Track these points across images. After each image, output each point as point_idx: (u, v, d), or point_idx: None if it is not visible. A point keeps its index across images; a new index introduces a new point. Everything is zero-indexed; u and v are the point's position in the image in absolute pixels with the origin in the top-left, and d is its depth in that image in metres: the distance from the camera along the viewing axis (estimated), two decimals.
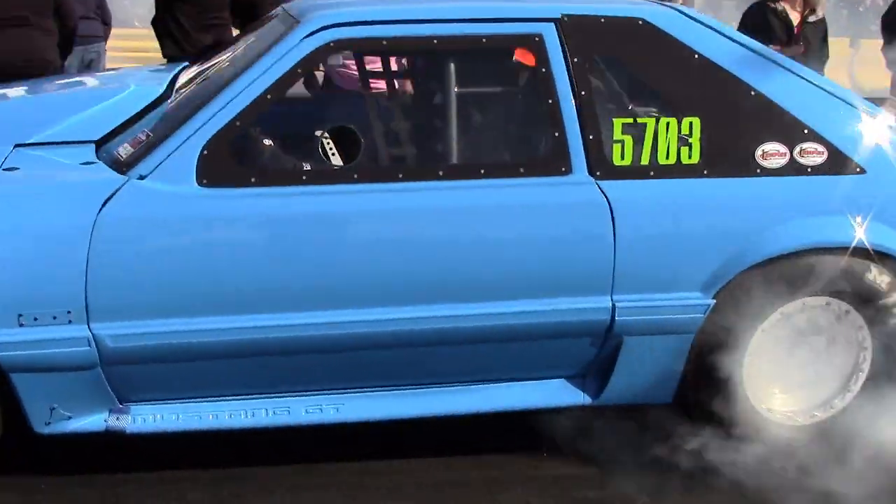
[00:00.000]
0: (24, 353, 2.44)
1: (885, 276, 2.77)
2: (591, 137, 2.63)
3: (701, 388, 2.79)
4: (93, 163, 2.58)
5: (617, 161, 2.66)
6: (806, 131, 2.74)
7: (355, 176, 2.56)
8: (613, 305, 2.66)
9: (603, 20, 2.71)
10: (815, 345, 2.87)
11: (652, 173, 2.67)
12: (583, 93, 2.64)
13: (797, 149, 2.74)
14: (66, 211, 2.44)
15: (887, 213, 2.76)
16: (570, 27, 2.68)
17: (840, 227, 2.73)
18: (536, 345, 2.70)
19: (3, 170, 2.55)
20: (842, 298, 2.80)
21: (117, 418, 2.61)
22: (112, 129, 2.78)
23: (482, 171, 2.62)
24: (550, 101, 2.63)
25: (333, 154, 2.59)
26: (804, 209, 2.73)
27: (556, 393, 2.79)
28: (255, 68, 2.55)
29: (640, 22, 2.72)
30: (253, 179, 2.52)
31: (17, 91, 3.15)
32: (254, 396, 2.68)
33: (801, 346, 2.86)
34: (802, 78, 2.81)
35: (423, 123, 2.88)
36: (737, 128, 2.73)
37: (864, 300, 2.78)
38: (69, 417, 2.58)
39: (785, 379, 2.88)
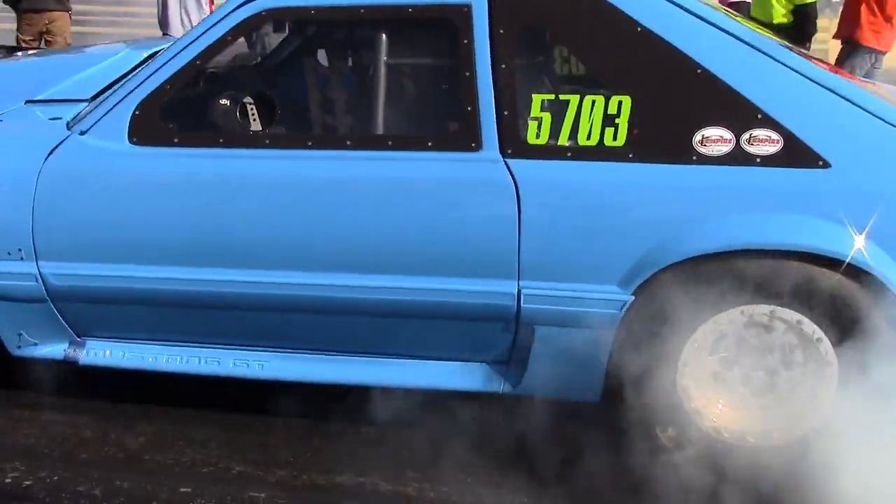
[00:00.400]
0: None
1: (845, 285, 2.39)
2: (505, 113, 2.51)
3: (625, 391, 2.58)
4: (59, 118, 2.85)
5: (532, 139, 2.51)
6: (760, 116, 2.42)
7: (267, 141, 2.64)
8: (519, 292, 2.53)
9: None
10: (768, 360, 2.54)
11: (569, 154, 2.49)
12: (503, 66, 2.52)
13: (746, 136, 2.43)
14: (19, 159, 2.74)
15: (852, 214, 2.37)
16: None
17: (788, 228, 2.40)
18: (446, 324, 2.63)
19: None
20: (795, 309, 2.45)
21: (74, 350, 2.90)
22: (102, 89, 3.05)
23: (389, 143, 2.59)
24: (468, 74, 2.53)
25: (255, 119, 2.67)
26: (746, 204, 2.42)
27: (474, 377, 2.70)
28: (190, 35, 2.69)
29: None
30: (176, 140, 2.67)
31: (40, 54, 3.54)
32: (191, 345, 2.85)
33: (751, 360, 2.55)
34: (769, 56, 2.47)
35: (343, 93, 2.86)
36: (673, 109, 2.47)
37: (824, 313, 2.43)
38: (35, 344, 2.91)
39: (731, 394, 2.58)
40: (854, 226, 2.37)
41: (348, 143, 2.61)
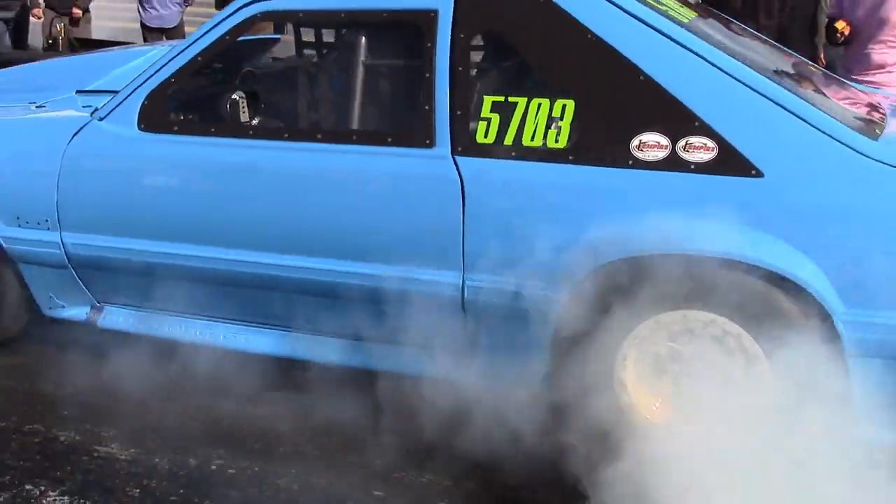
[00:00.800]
0: (22, 248, 3.18)
1: (772, 293, 2.39)
2: (458, 113, 2.65)
3: (563, 383, 2.65)
4: (89, 106, 3.21)
5: (480, 139, 2.64)
6: (697, 124, 2.46)
7: (251, 132, 2.89)
8: (463, 283, 2.66)
9: None
10: (707, 364, 2.56)
11: (513, 154, 2.60)
12: (460, 69, 2.65)
13: (682, 142, 2.47)
14: (48, 141, 3.12)
15: (781, 224, 2.37)
16: (469, 3, 2.68)
17: (717, 235, 2.41)
18: (401, 311, 2.77)
19: (36, 107, 3.31)
20: (728, 316, 2.47)
21: (94, 314, 3.26)
22: None
23: (354, 137, 2.78)
24: (427, 75, 2.69)
25: (244, 111, 2.93)
26: (677, 210, 2.45)
27: (430, 364, 2.84)
28: (195, 34, 2.98)
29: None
30: (175, 128, 2.97)
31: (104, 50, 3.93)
32: (193, 316, 3.13)
33: (690, 363, 2.58)
34: (711, 65, 2.49)
35: (319, 90, 3.07)
36: (614, 115, 2.54)
37: (751, 321, 2.44)
38: (63, 307, 3.28)
39: (664, 393, 2.62)
40: (783, 236, 2.37)
41: (319, 136, 2.83)
